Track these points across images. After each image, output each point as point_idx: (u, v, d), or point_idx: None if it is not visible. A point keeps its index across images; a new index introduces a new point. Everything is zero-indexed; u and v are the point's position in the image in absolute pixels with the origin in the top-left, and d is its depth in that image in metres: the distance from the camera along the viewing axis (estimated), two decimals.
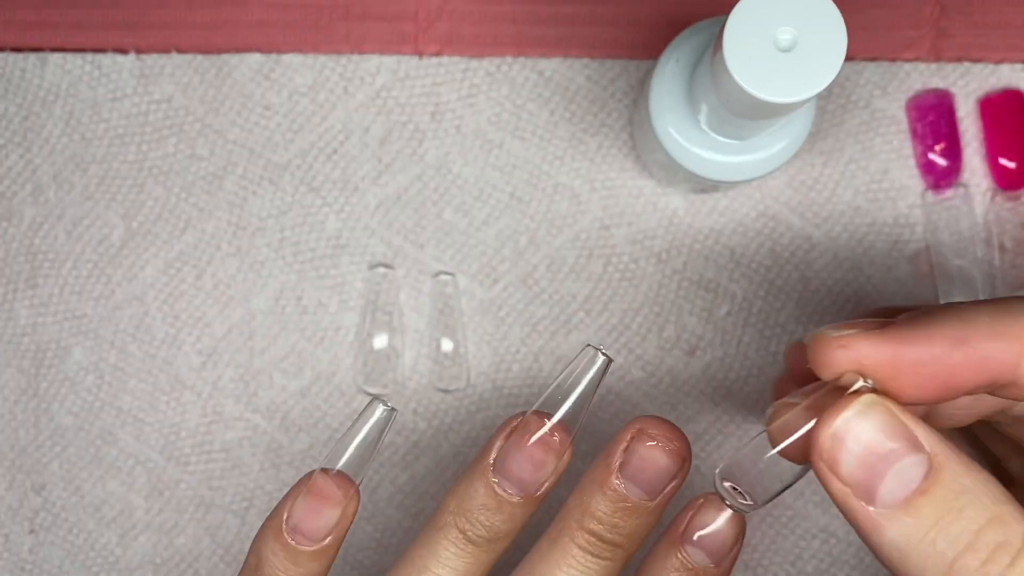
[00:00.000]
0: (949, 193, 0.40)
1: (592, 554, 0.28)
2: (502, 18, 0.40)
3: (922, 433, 0.23)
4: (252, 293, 0.41)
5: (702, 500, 0.29)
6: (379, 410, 0.29)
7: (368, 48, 0.40)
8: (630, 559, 0.29)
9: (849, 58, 0.40)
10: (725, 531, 0.29)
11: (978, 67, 0.40)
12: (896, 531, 0.23)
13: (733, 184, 0.35)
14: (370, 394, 0.28)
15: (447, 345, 0.40)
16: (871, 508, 0.23)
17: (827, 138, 0.40)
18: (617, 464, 0.28)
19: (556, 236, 0.40)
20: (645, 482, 0.28)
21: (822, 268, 0.40)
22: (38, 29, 0.41)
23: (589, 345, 0.28)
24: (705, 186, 0.37)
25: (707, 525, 0.29)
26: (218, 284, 0.41)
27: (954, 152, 0.40)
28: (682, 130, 0.34)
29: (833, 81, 0.28)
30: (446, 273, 0.40)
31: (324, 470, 0.29)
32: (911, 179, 0.40)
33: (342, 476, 0.29)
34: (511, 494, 0.28)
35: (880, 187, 0.40)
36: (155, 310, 0.41)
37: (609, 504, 0.28)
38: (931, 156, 0.40)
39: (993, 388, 0.25)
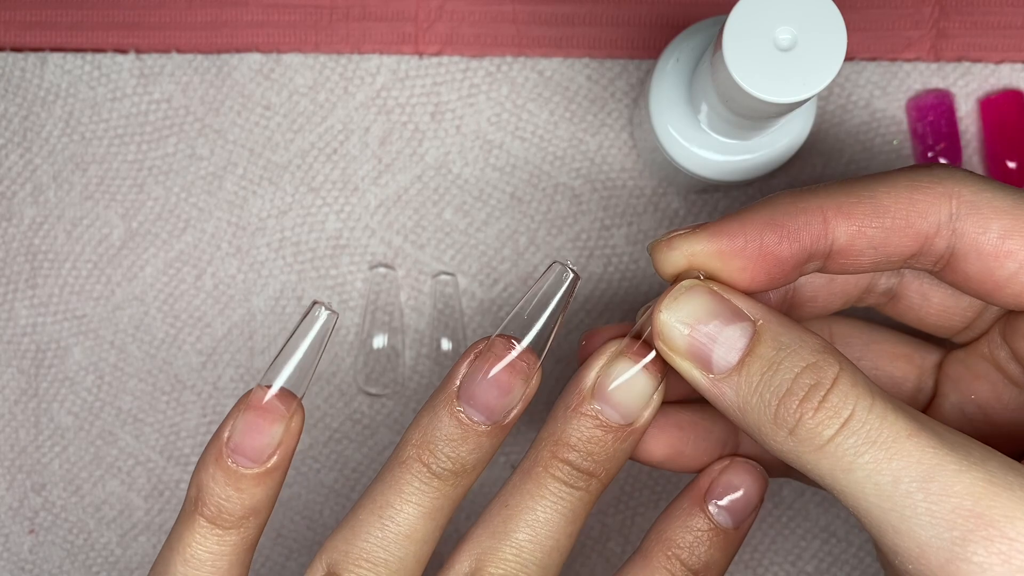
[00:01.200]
0: None
1: (567, 484, 0.27)
2: (502, 18, 0.40)
3: (745, 305, 0.26)
4: (252, 293, 0.41)
5: (728, 462, 0.30)
6: (323, 315, 0.27)
7: (368, 48, 0.40)
8: (603, 491, 0.28)
9: (849, 58, 0.40)
10: (751, 494, 0.29)
11: (978, 67, 0.40)
12: (732, 392, 0.25)
13: (733, 184, 0.35)
14: (319, 303, 0.26)
15: (447, 345, 0.40)
16: (710, 376, 0.26)
17: (827, 138, 0.40)
18: (590, 387, 0.27)
19: (556, 236, 0.40)
20: (621, 404, 0.27)
21: None
22: (38, 29, 0.41)
23: (556, 261, 0.27)
24: (705, 186, 0.37)
25: (736, 488, 0.29)
26: (218, 284, 0.41)
27: (954, 152, 0.40)
28: (682, 130, 0.34)
29: (833, 81, 0.28)
30: (446, 273, 0.40)
31: (264, 386, 0.27)
32: None
33: (283, 390, 0.27)
34: (477, 422, 0.27)
35: None
36: (155, 310, 0.41)
37: (584, 430, 0.27)
38: (931, 156, 0.40)
39: (820, 261, 0.27)
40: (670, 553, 0.29)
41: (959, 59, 0.40)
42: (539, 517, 0.27)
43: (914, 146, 0.40)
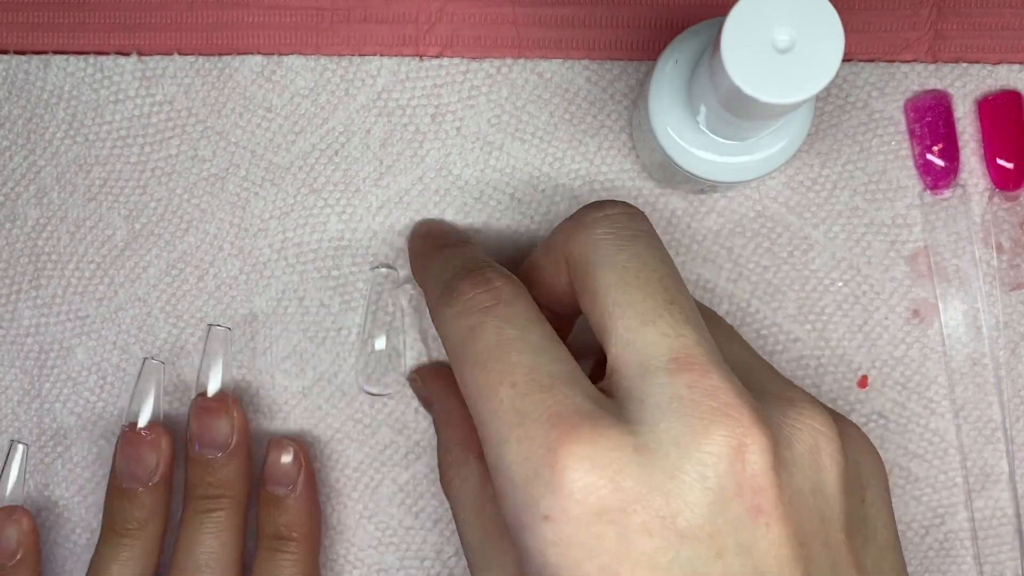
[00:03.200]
0: (947, 193, 0.40)
1: (209, 511, 0.37)
2: (502, 20, 0.41)
3: None
4: (254, 294, 0.41)
5: (266, 446, 0.39)
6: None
7: (369, 50, 0.41)
8: (244, 500, 0.38)
9: (847, 59, 0.41)
10: (284, 464, 0.38)
11: (976, 68, 0.41)
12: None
13: (731, 185, 0.36)
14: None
15: None
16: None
17: (825, 139, 0.41)
18: (190, 436, 0.37)
19: None
20: (211, 441, 0.37)
21: (820, 268, 0.41)
22: (41, 31, 0.41)
23: (146, 358, 0.39)
24: (704, 187, 0.37)
25: (268, 462, 0.38)
26: (220, 285, 0.41)
27: (952, 153, 0.40)
28: (681, 131, 0.34)
29: (831, 82, 0.28)
30: None
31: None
32: (909, 179, 0.41)
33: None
34: (135, 486, 0.37)
35: (878, 187, 0.41)
36: (158, 311, 0.41)
37: (197, 470, 0.37)
38: (929, 157, 0.40)
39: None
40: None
41: (957, 60, 0.41)
42: (200, 539, 0.37)
43: (912, 147, 0.41)
